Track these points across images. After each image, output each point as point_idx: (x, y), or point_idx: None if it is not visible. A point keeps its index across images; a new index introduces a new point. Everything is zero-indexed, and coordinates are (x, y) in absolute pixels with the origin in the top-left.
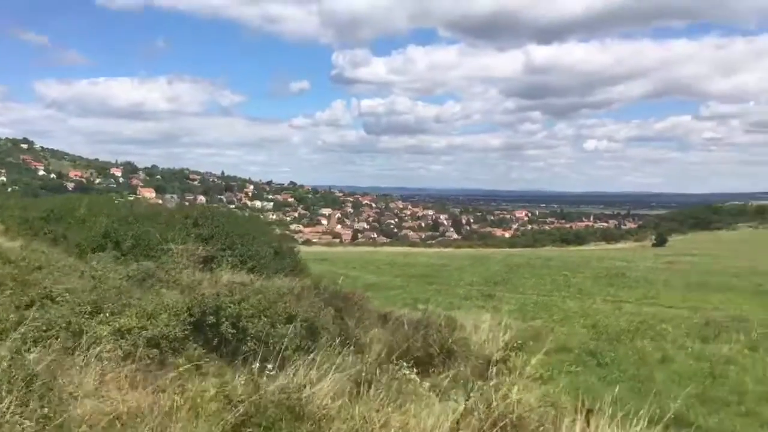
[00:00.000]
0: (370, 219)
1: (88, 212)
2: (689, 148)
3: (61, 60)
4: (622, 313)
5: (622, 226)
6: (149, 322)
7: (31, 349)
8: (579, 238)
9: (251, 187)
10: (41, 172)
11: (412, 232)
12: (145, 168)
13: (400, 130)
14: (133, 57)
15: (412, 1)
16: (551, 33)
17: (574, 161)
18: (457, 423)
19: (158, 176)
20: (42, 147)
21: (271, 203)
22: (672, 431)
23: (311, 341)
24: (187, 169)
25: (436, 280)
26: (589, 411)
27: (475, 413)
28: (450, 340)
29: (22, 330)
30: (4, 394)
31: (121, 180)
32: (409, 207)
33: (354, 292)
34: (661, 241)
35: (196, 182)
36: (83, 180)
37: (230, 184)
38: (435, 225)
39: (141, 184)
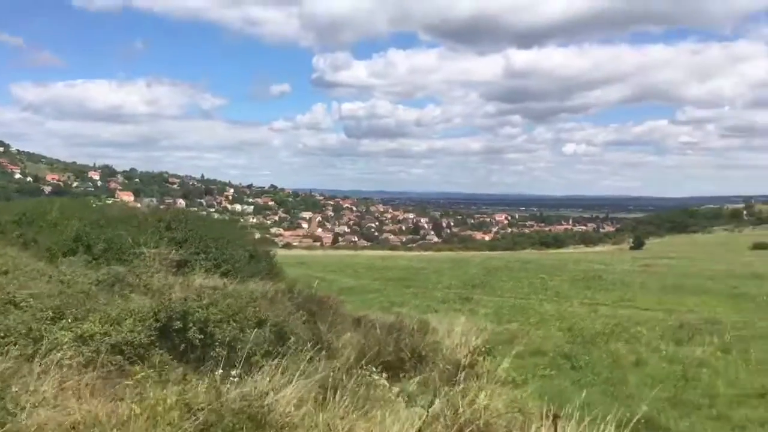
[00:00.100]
0: (351, 222)
1: (61, 215)
2: (666, 152)
3: (37, 62)
4: (597, 316)
5: (601, 230)
6: (113, 328)
7: None
8: (558, 242)
9: (231, 190)
10: (17, 176)
11: (392, 236)
12: (124, 171)
13: (381, 134)
14: (112, 59)
15: (393, 5)
16: (531, 37)
17: (554, 165)
18: (420, 430)
19: (137, 179)
20: (18, 150)
21: (252, 207)
22: None
23: (280, 346)
24: (167, 173)
25: (414, 283)
26: (556, 416)
27: (441, 419)
28: (421, 344)
29: None
30: None
31: (99, 183)
32: (390, 210)
33: (328, 296)
34: (638, 244)
35: (175, 186)
36: (60, 183)
37: (210, 188)
38: (415, 228)
39: (119, 187)
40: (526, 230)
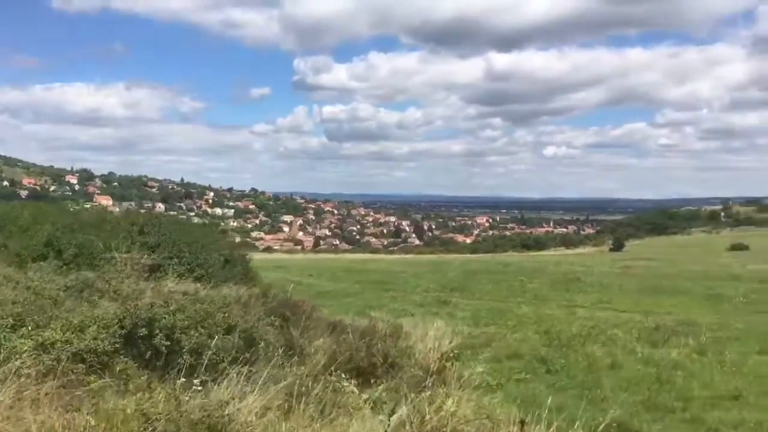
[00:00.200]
0: (332, 226)
1: (32, 220)
2: (645, 154)
3: (14, 64)
4: (575, 318)
5: (581, 232)
6: (75, 335)
7: None
8: (539, 244)
9: (212, 194)
10: None
11: (374, 239)
12: (102, 175)
13: (363, 137)
14: (90, 62)
15: (374, 8)
16: (511, 41)
17: (534, 167)
18: None
19: (115, 183)
20: None
21: (232, 210)
22: None
23: (249, 352)
24: (146, 176)
25: (393, 286)
26: (522, 422)
27: (407, 427)
28: (393, 349)
29: None
30: None
31: (77, 187)
32: (372, 213)
33: (303, 301)
34: (618, 246)
35: (154, 189)
36: (37, 187)
37: (190, 192)
38: (397, 231)
39: (98, 191)
40: (507, 233)
